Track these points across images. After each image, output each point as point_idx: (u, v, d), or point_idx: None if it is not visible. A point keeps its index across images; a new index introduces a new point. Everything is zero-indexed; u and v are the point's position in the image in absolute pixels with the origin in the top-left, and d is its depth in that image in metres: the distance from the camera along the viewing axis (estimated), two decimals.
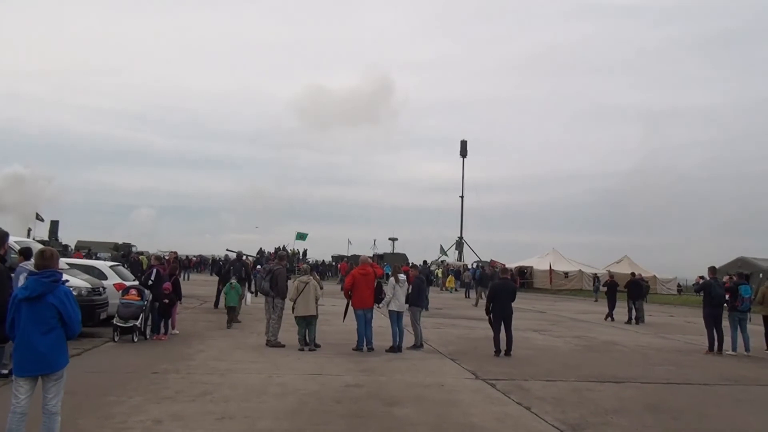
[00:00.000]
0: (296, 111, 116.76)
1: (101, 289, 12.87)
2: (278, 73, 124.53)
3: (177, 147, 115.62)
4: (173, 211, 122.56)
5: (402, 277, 12.69)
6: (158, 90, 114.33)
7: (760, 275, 19.11)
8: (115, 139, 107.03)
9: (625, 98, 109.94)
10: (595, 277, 38.58)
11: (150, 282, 12.94)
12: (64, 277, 5.32)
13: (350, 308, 12.43)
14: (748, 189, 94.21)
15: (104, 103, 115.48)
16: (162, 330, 12.95)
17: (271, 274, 12.86)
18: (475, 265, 45.62)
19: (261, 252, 45.83)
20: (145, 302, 12.37)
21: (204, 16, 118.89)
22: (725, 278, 15.04)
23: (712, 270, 14.67)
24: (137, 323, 12.07)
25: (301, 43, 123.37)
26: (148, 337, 12.55)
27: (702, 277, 17.38)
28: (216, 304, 19.18)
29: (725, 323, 14.01)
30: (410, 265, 17.48)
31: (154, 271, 13.24)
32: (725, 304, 14.07)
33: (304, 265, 12.82)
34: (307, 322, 11.87)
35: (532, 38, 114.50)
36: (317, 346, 12.04)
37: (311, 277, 12.14)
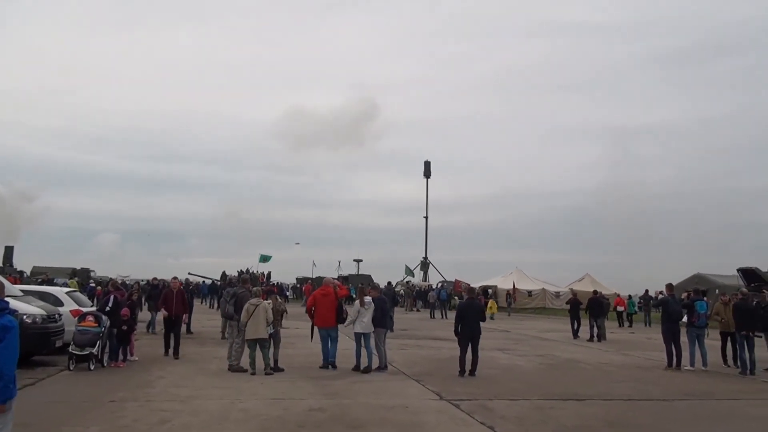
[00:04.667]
0: (261, 132, 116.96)
1: (57, 315, 12.51)
2: (242, 94, 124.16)
3: (137, 169, 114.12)
4: (135, 236, 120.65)
5: (368, 299, 12.65)
6: (118, 111, 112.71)
7: (717, 291, 19.59)
8: (72, 162, 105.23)
9: (587, 116, 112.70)
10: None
11: (108, 308, 12.64)
12: (14, 305, 5.08)
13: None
14: (706, 206, 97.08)
15: (62, 124, 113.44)
16: (120, 357, 12.63)
17: (235, 297, 12.71)
18: (439, 286, 45.79)
19: (224, 275, 45.25)
20: (103, 329, 12.07)
21: (168, 36, 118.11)
22: (683, 295, 15.37)
23: (670, 287, 14.97)
24: (94, 351, 11.74)
25: (266, 63, 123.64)
26: (105, 364, 12.22)
27: (661, 293, 17.74)
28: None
29: (684, 339, 14.29)
30: (372, 286, 17.48)
31: (112, 297, 12.95)
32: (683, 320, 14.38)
33: (255, 288, 12.64)
34: (259, 345, 11.72)
35: (495, 58, 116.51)
36: (280, 369, 11.91)
37: (261, 300, 11.97)
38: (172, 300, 14.06)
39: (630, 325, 30.62)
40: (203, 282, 40.49)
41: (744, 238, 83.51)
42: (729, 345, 14.70)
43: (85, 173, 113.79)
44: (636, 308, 33.71)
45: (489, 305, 34.77)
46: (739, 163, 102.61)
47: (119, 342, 12.61)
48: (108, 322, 12.34)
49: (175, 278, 15.55)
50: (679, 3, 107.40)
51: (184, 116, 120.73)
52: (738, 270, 34.02)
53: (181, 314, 14.23)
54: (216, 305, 34.61)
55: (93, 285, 38.52)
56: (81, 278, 41.94)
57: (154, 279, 20.82)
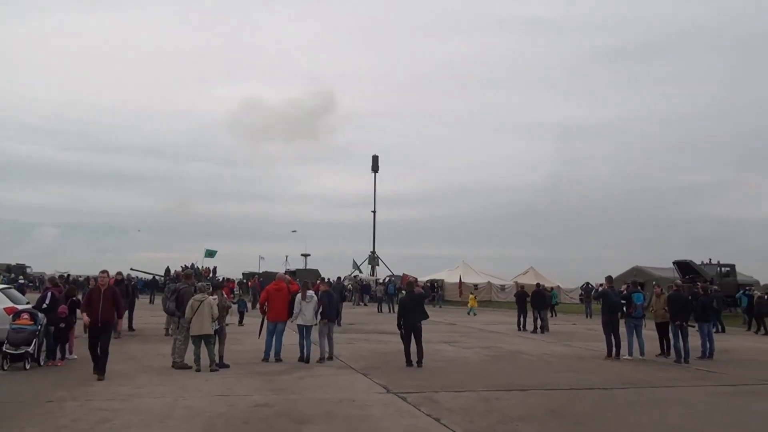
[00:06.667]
0: (211, 125, 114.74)
1: None
2: (187, 85, 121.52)
3: (79, 161, 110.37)
4: (75, 230, 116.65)
5: (309, 293, 13.16)
6: (62, 102, 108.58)
7: (654, 283, 20.29)
8: (10, 154, 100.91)
9: (534, 112, 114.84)
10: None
11: (44, 305, 12.21)
12: None
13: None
14: (645, 202, 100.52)
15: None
16: (58, 355, 12.23)
17: (177, 293, 12.47)
18: (387, 280, 46.00)
19: (168, 271, 44.33)
20: (39, 327, 11.65)
21: (109, 22, 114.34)
22: (623, 287, 15.86)
23: (609, 279, 15.45)
24: (29, 349, 11.33)
25: (217, 53, 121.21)
26: (42, 363, 11.80)
27: (601, 285, 18.29)
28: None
29: (622, 329, 14.76)
30: (321, 280, 17.81)
31: (49, 293, 12.51)
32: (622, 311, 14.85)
33: (200, 284, 12.44)
34: (204, 341, 11.56)
35: (444, 53, 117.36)
36: (225, 365, 11.77)
37: (206, 295, 11.80)
38: (99, 301, 10.63)
39: (554, 315, 31.22)
40: (137, 277, 39.53)
41: (680, 233, 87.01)
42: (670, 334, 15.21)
43: (21, 164, 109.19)
44: (558, 299, 35.95)
45: (469, 301, 35.06)
46: (675, 160, 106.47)
47: (57, 340, 12.19)
48: (45, 320, 11.92)
49: (104, 272, 11.25)
50: (625, 2, 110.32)
51: (127, 107, 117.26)
52: (673, 263, 35.38)
53: (111, 320, 10.84)
54: (153, 300, 33.90)
55: (22, 282, 37.08)
56: (16, 274, 40.40)
57: (118, 274, 19.26)
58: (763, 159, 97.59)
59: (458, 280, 44.69)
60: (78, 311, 12.39)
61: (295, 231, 69.16)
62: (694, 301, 15.27)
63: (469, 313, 32.79)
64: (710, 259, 35.35)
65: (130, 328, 18.11)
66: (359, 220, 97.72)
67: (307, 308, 12.88)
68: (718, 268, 34.48)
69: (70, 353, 12.69)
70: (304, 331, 12.92)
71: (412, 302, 12.97)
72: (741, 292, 28.61)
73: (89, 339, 10.81)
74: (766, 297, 25.38)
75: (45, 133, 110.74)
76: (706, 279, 30.55)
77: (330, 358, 13.12)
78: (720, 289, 29.77)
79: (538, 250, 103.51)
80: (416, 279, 31.29)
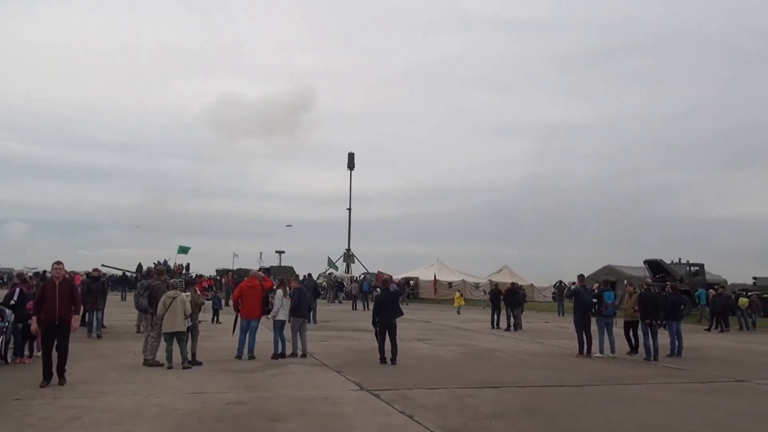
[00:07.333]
0: (187, 121, 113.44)
1: None
2: (162, 80, 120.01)
3: (48, 157, 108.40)
4: (45, 226, 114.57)
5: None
6: (32, 97, 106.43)
7: (625, 282, 20.61)
8: None
9: (509, 111, 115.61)
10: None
11: (12, 301, 11.96)
12: None
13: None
14: (617, 201, 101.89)
15: None
16: (26, 352, 12.00)
17: (149, 290, 12.31)
18: (362, 277, 46.00)
19: (140, 267, 43.78)
20: (7, 323, 11.42)
21: (83, 14, 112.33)
22: (595, 285, 16.06)
23: (581, 278, 15.61)
24: None
25: (187, 48, 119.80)
26: (9, 360, 11.57)
27: (573, 283, 18.51)
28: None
29: (594, 327, 14.94)
30: (293, 277, 17.88)
31: (17, 290, 12.26)
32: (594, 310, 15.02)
33: (172, 281, 12.31)
34: (177, 339, 11.44)
35: (420, 52, 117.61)
36: (198, 363, 11.66)
37: (179, 292, 11.67)
38: (55, 297, 9.41)
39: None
40: (106, 274, 38.92)
41: (651, 232, 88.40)
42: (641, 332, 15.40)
43: None
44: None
45: (455, 300, 34.53)
46: (646, 160, 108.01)
47: (25, 337, 11.95)
48: (12, 317, 11.69)
49: (59, 264, 9.79)
50: (594, 2, 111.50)
51: (101, 102, 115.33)
52: (644, 262, 35.92)
53: (69, 319, 9.53)
54: (125, 297, 33.44)
55: None
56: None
57: (95, 271, 18.66)
58: (733, 160, 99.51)
59: (433, 278, 44.87)
60: None
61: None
62: (664, 300, 15.50)
63: (458, 312, 32.34)
64: (680, 259, 35.95)
65: (101, 325, 17.80)
66: (335, 218, 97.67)
67: (287, 304, 13.03)
68: (688, 268, 35.05)
69: (39, 350, 12.44)
70: (279, 325, 12.99)
71: (387, 300, 13.09)
72: (700, 290, 29.11)
73: (44, 342, 9.53)
74: (721, 294, 25.86)
75: (15, 128, 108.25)
76: (676, 278, 31.08)
77: (304, 355, 13.10)
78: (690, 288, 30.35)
79: (512, 249, 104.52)
80: (391, 276, 31.35)
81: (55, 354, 9.46)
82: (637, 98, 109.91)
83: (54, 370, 9.45)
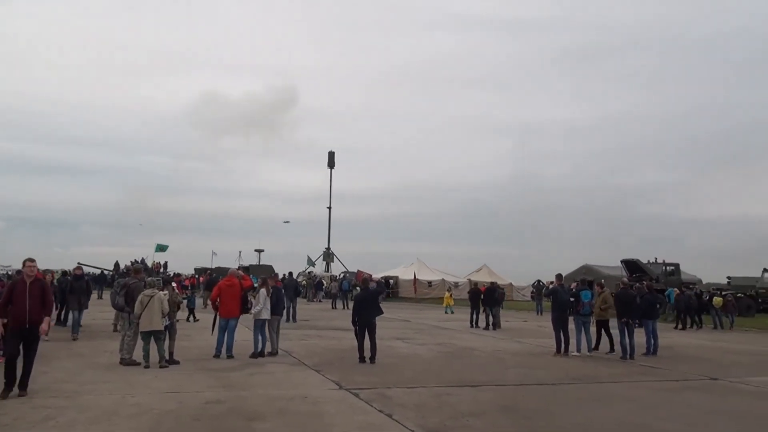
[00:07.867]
0: (159, 117, 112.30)
1: None
2: (142, 77, 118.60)
3: (23, 153, 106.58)
4: (20, 223, 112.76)
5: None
6: (8, 91, 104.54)
7: (602, 281, 20.81)
8: None
9: (490, 111, 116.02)
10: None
11: None
12: None
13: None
14: (596, 201, 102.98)
15: None
16: None
17: (126, 288, 12.17)
18: (341, 276, 45.95)
19: (117, 266, 43.39)
20: None
21: (62, 9, 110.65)
22: (572, 285, 16.21)
23: (559, 277, 15.75)
24: None
25: (169, 45, 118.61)
26: None
27: (552, 283, 18.68)
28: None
29: (571, 326, 15.07)
30: (272, 276, 17.88)
31: None
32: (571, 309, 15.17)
33: (150, 279, 12.18)
34: (154, 338, 11.34)
35: (402, 50, 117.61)
36: (175, 362, 11.57)
37: (156, 291, 11.56)
38: (25, 298, 8.50)
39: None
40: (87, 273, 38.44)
41: (628, 232, 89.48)
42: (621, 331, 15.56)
43: None
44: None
45: (445, 299, 33.57)
46: (624, 161, 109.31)
47: None
48: None
49: (31, 261, 8.78)
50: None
51: (79, 98, 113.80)
52: (621, 261, 36.38)
53: (39, 320, 8.57)
54: (102, 296, 33.01)
55: None
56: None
57: (78, 269, 17.70)
58: (711, 162, 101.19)
59: (413, 278, 44.95)
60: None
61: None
62: (640, 299, 15.70)
63: (446, 312, 31.73)
64: (656, 258, 36.48)
65: (78, 324, 17.54)
66: (315, 217, 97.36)
67: (269, 302, 13.06)
68: (664, 267, 35.59)
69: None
70: (260, 324, 12.95)
71: (366, 298, 13.10)
72: (669, 289, 29.55)
73: (10, 347, 8.55)
74: (685, 293, 26.26)
75: None
76: (652, 277, 31.53)
77: (276, 352, 13.18)
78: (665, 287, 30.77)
79: (491, 248, 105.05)
80: (371, 275, 31.35)
81: (20, 361, 8.54)
82: (616, 99, 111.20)
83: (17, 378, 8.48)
